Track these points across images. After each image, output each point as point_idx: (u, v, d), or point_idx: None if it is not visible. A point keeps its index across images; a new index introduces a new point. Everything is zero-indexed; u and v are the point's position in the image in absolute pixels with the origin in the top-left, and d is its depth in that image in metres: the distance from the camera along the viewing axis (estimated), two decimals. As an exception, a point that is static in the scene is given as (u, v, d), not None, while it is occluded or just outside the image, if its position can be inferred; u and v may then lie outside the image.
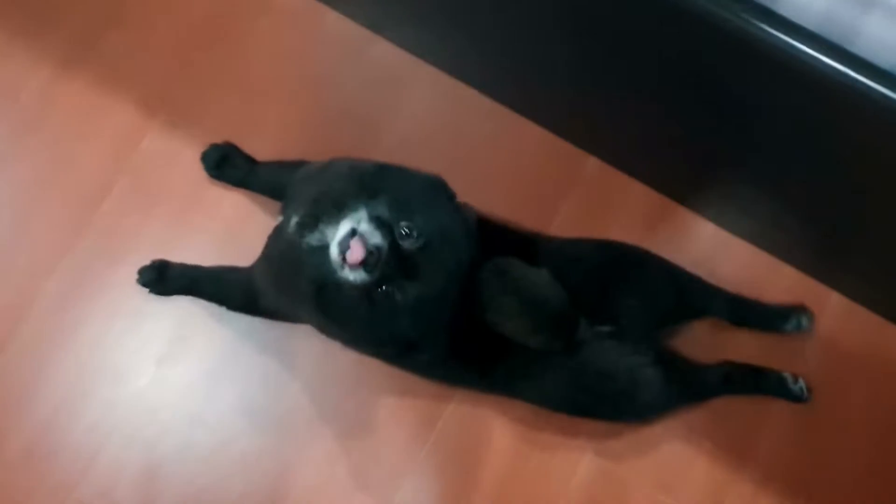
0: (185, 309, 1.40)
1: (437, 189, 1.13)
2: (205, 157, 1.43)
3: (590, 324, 1.22)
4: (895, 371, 1.36)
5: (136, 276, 1.38)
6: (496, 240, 1.23)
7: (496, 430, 1.36)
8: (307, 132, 1.46)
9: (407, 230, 1.04)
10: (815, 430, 1.35)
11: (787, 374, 1.34)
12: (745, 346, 1.37)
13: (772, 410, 1.36)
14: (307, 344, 1.37)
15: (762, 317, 1.37)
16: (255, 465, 1.36)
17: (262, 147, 1.44)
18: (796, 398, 1.34)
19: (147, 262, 1.39)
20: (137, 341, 1.40)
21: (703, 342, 1.38)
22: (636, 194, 1.43)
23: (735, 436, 1.35)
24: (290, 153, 1.43)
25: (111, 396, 1.38)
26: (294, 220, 1.09)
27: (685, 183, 1.39)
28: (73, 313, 1.40)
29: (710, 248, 1.41)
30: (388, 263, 1.01)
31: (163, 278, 1.39)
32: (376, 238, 1.01)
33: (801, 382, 1.34)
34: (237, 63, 1.49)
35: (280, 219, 1.17)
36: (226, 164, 1.42)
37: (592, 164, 1.44)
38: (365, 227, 1.02)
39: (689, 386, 1.34)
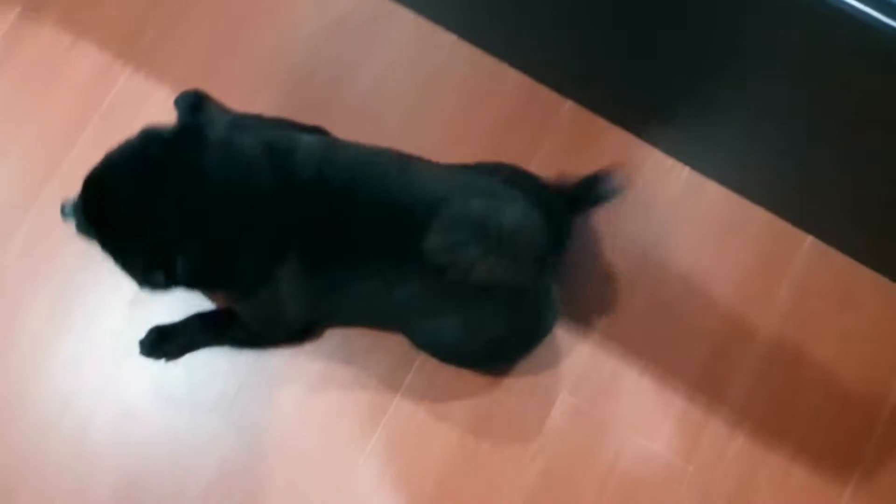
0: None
1: None
2: (178, 103, 1.41)
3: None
4: (866, 311, 1.37)
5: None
6: None
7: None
8: (280, 79, 1.46)
9: None
10: (788, 368, 1.36)
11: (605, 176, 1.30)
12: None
13: (744, 348, 1.36)
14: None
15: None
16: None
17: (232, 94, 1.43)
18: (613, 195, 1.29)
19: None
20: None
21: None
22: (612, 138, 1.43)
23: (708, 376, 1.36)
24: (263, 99, 1.43)
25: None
26: None
27: (660, 124, 1.40)
28: (47, 250, 1.40)
29: (684, 190, 1.42)
30: None
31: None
32: None
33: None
34: (207, 8, 1.48)
35: None
36: (199, 112, 1.40)
37: (569, 108, 1.44)
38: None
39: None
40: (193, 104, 1.40)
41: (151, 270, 1.10)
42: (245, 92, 1.44)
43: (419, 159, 1.22)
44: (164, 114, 1.43)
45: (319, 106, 1.44)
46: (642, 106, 1.38)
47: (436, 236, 1.09)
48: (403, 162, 1.20)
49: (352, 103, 1.45)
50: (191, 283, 1.16)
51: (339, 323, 1.35)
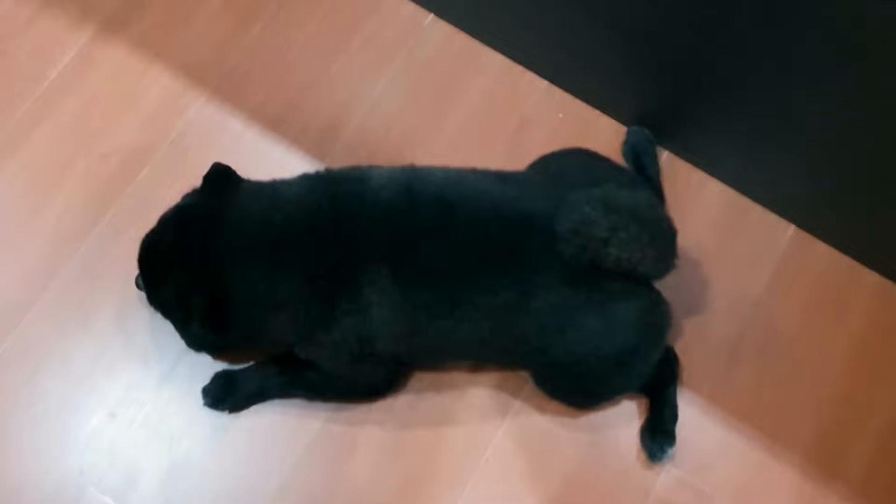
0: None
1: None
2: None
3: None
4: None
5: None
6: None
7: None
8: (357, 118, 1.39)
9: None
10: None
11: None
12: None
13: (860, 420, 1.26)
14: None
15: None
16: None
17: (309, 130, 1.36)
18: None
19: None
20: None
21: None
22: (713, 193, 1.36)
23: (823, 449, 1.25)
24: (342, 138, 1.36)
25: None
26: None
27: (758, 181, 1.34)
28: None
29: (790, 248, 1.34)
30: None
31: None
32: None
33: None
34: (294, 44, 1.43)
35: None
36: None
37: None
38: None
39: None
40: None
41: (188, 322, 1.10)
42: (323, 129, 1.37)
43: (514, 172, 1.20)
44: (235, 145, 1.34)
45: (400, 149, 1.36)
46: (745, 161, 1.32)
47: (564, 219, 1.05)
48: (499, 176, 1.16)
49: (436, 150, 1.38)
50: (226, 327, 1.09)
51: (443, 360, 1.24)
